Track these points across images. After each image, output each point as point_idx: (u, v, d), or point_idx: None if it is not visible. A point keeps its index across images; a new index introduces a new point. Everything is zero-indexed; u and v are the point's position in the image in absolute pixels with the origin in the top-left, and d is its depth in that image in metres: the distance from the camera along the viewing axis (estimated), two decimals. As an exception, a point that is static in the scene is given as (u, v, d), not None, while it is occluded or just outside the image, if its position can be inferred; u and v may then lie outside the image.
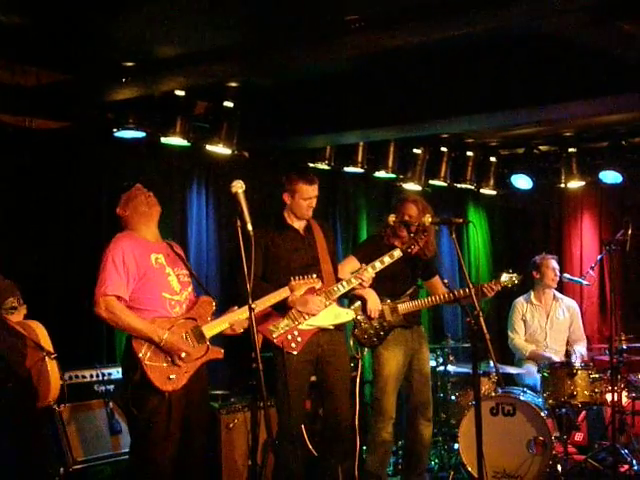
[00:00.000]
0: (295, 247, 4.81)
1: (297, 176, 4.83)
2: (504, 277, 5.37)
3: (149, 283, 4.07)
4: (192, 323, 4.11)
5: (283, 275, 4.64)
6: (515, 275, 5.39)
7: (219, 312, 4.24)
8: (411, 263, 5.33)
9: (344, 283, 4.81)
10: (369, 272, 4.87)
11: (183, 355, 4.01)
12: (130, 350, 3.98)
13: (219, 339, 4.23)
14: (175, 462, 4.03)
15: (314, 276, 4.59)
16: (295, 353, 4.66)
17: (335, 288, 4.79)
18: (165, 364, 3.99)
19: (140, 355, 3.95)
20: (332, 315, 4.80)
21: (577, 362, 5.98)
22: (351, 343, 5.42)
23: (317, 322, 4.73)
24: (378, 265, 4.93)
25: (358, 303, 5.26)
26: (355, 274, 4.85)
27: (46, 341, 4.23)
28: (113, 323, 4.01)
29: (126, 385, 4.05)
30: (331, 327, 4.79)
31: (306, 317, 4.70)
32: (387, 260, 4.95)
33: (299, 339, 4.68)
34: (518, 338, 6.95)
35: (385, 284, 5.22)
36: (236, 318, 4.15)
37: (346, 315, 4.88)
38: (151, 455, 3.97)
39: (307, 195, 4.78)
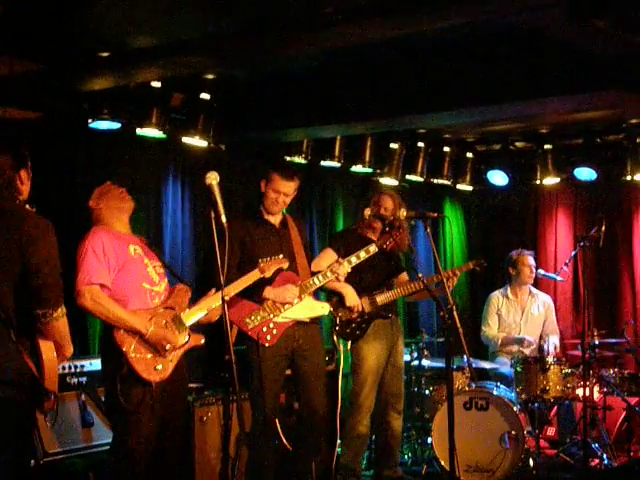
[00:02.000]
0: (270, 241, 4.80)
1: (277, 167, 4.83)
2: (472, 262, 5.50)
3: (129, 274, 4.05)
4: (171, 312, 4.11)
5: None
6: (481, 259, 5.52)
7: (194, 303, 4.24)
8: (387, 257, 5.35)
9: (320, 277, 4.82)
10: (345, 266, 4.87)
11: (168, 347, 4.01)
12: (113, 343, 3.94)
13: (195, 329, 4.23)
14: (152, 453, 4.04)
15: (281, 256, 4.60)
16: (269, 345, 4.66)
17: (311, 282, 4.79)
18: (150, 355, 3.99)
19: (124, 348, 3.92)
20: (308, 308, 4.80)
21: (550, 352, 6.03)
22: (335, 339, 5.42)
23: (293, 315, 4.73)
24: (354, 260, 4.94)
25: (335, 298, 5.28)
26: (331, 267, 4.86)
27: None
28: (99, 314, 3.95)
29: (110, 378, 3.99)
30: (307, 320, 4.79)
31: (282, 309, 4.70)
32: (363, 255, 4.97)
33: (274, 331, 4.67)
34: (489, 330, 6.98)
35: (361, 277, 5.24)
36: (212, 305, 4.14)
37: (321, 309, 4.89)
38: (131, 446, 3.96)
39: (278, 188, 4.73)
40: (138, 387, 3.96)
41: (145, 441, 3.99)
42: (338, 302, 5.27)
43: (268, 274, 4.51)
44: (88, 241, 4.01)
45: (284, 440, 5.17)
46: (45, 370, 3.20)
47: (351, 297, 5.23)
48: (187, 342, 4.13)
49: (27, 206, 3.41)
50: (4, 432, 3.14)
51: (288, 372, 4.87)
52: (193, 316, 4.17)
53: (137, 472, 4.00)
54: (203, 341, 4.24)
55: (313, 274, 4.86)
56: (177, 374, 4.12)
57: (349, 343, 5.36)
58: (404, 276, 5.60)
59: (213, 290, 4.15)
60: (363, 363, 5.31)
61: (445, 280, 4.62)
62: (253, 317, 4.65)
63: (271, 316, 4.68)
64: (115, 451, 4.10)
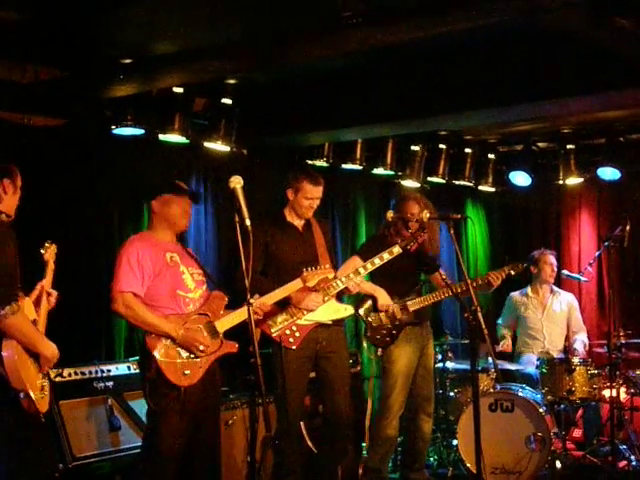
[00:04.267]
0: (294, 244, 4.81)
1: (303, 174, 4.85)
2: (509, 266, 5.41)
3: (164, 280, 4.12)
4: (204, 318, 4.17)
5: (282, 271, 4.65)
6: (520, 263, 5.45)
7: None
8: (415, 260, 5.33)
9: (343, 279, 4.82)
10: (368, 268, 4.88)
11: (201, 347, 4.05)
12: (144, 348, 4.05)
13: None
14: (183, 458, 4.09)
15: (327, 266, 4.62)
16: (293, 348, 4.67)
17: (334, 284, 4.79)
18: (179, 360, 4.05)
19: (154, 352, 4.01)
20: (331, 310, 4.80)
21: (580, 350, 5.99)
22: (365, 345, 5.42)
23: (315, 317, 4.74)
24: (377, 261, 4.93)
25: (369, 303, 5.27)
26: (355, 270, 4.86)
27: None
28: (131, 319, 4.08)
29: (143, 380, 4.12)
30: (329, 322, 4.79)
31: (305, 312, 4.71)
32: (386, 257, 4.95)
33: (297, 334, 4.68)
34: (500, 326, 7.06)
35: (391, 283, 5.25)
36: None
37: (345, 311, 4.89)
38: (159, 449, 4.03)
39: (310, 195, 4.79)
40: (167, 391, 4.02)
41: (174, 444, 4.04)
42: (370, 308, 5.27)
43: (311, 284, 4.53)
44: (124, 250, 4.14)
45: (309, 443, 5.18)
46: (6, 369, 3.28)
47: (383, 298, 5.22)
48: (219, 349, 4.16)
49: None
50: None
51: (312, 375, 4.88)
52: (228, 323, 4.21)
53: (166, 476, 4.04)
54: (237, 349, 4.26)
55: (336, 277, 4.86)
56: (208, 380, 4.16)
57: (379, 349, 5.35)
58: (438, 278, 5.54)
59: (257, 295, 4.18)
60: (394, 366, 5.29)
61: (471, 285, 4.55)
62: (276, 320, 4.67)
63: (294, 319, 4.69)
64: (145, 453, 4.16)
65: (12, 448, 3.41)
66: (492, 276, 5.29)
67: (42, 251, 3.86)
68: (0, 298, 3.26)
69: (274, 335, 4.65)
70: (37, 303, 3.67)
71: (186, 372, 4.04)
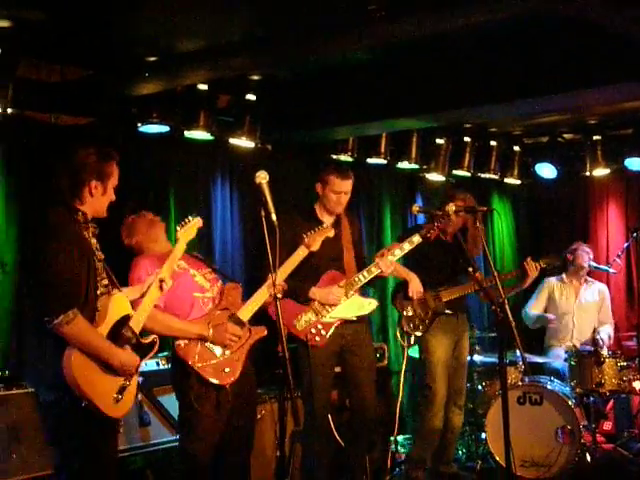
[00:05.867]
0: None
1: (331, 167, 4.87)
2: (545, 259, 5.43)
3: (178, 288, 4.11)
4: (226, 312, 4.18)
5: (308, 267, 4.65)
6: (555, 255, 5.53)
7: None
8: (452, 255, 5.29)
9: (365, 273, 4.81)
10: (388, 260, 4.83)
11: (234, 338, 4.09)
12: (178, 360, 4.05)
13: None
14: (217, 452, 4.14)
15: (324, 225, 4.62)
16: (320, 346, 4.67)
17: (356, 279, 4.79)
18: (214, 361, 4.08)
19: (190, 361, 4.03)
20: (355, 306, 4.80)
21: (605, 341, 5.95)
22: (398, 334, 5.41)
23: (340, 314, 4.74)
24: (398, 252, 4.90)
25: (400, 295, 5.26)
26: (376, 262, 4.83)
27: None
28: (158, 330, 3.92)
29: (179, 388, 4.13)
30: (354, 318, 4.79)
31: (329, 309, 4.71)
32: (407, 247, 4.91)
33: (323, 332, 4.69)
34: (531, 311, 7.01)
35: (426, 273, 5.24)
36: (267, 296, 4.19)
37: (369, 305, 4.88)
38: (195, 450, 4.07)
39: (338, 189, 4.78)
40: (211, 392, 4.06)
41: (207, 444, 4.09)
42: (402, 298, 5.26)
43: (315, 247, 4.52)
44: (133, 272, 4.14)
45: (337, 436, 5.18)
46: (65, 378, 3.24)
47: (415, 284, 5.19)
48: (250, 337, 4.19)
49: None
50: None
51: (338, 369, 4.88)
52: (249, 311, 4.24)
53: (199, 474, 4.10)
54: (266, 332, 4.29)
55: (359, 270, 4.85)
56: (244, 376, 4.19)
57: (411, 339, 5.33)
58: (478, 274, 5.49)
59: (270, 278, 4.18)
60: (432, 356, 5.29)
61: (499, 280, 4.51)
62: (301, 319, 4.68)
63: (318, 317, 4.70)
64: (179, 454, 4.22)
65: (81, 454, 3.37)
66: (530, 264, 5.23)
67: (177, 227, 3.92)
68: (54, 307, 3.21)
69: (299, 334, 4.66)
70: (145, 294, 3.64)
71: (226, 370, 4.07)
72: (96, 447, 3.34)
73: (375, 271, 4.82)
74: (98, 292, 3.40)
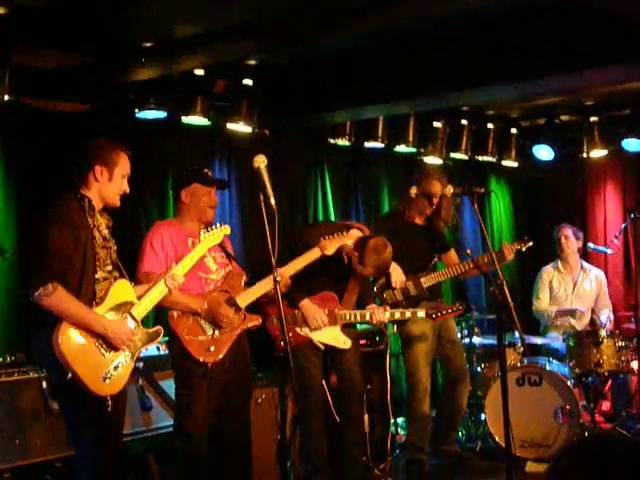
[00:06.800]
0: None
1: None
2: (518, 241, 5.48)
3: None
4: (225, 295, 4.22)
5: (313, 271, 4.62)
6: (525, 238, 5.50)
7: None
8: (429, 238, 5.34)
9: (358, 316, 4.79)
10: (385, 316, 4.82)
11: (225, 320, 4.12)
12: (169, 329, 4.12)
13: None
14: (213, 435, 4.18)
15: (344, 232, 4.61)
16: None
17: (347, 315, 4.78)
18: (203, 337, 4.13)
19: (178, 331, 4.10)
20: (329, 336, 4.78)
21: (605, 324, 5.97)
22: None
23: (313, 335, 4.74)
24: (397, 316, 4.90)
25: (382, 281, 5.27)
26: (372, 312, 4.79)
27: None
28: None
29: (171, 360, 4.29)
30: (321, 346, 4.77)
31: (305, 324, 4.72)
32: (408, 315, 4.92)
33: (292, 340, 4.61)
34: (540, 303, 6.95)
35: (405, 261, 5.24)
36: (268, 288, 4.21)
37: (343, 343, 4.81)
38: (188, 427, 4.12)
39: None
40: (193, 368, 4.10)
41: (202, 422, 4.11)
42: (384, 285, 5.28)
43: (330, 252, 4.51)
44: (149, 235, 4.26)
45: (334, 412, 5.17)
46: (55, 353, 3.31)
47: (397, 274, 5.21)
48: (242, 323, 4.22)
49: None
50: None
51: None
52: (249, 298, 4.26)
53: (195, 452, 4.12)
54: (260, 321, 4.32)
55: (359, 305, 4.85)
56: (237, 357, 4.22)
57: (395, 326, 5.36)
58: (453, 256, 5.55)
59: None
60: (412, 344, 5.32)
61: (495, 257, 4.56)
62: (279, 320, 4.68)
63: (294, 325, 4.70)
64: (176, 431, 4.25)
65: (77, 428, 3.46)
66: (507, 248, 5.27)
67: (202, 232, 4.12)
68: (35, 280, 3.28)
69: (272, 330, 4.67)
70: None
71: (211, 349, 4.11)
72: (98, 421, 3.39)
73: (368, 318, 4.80)
74: (97, 276, 3.44)
